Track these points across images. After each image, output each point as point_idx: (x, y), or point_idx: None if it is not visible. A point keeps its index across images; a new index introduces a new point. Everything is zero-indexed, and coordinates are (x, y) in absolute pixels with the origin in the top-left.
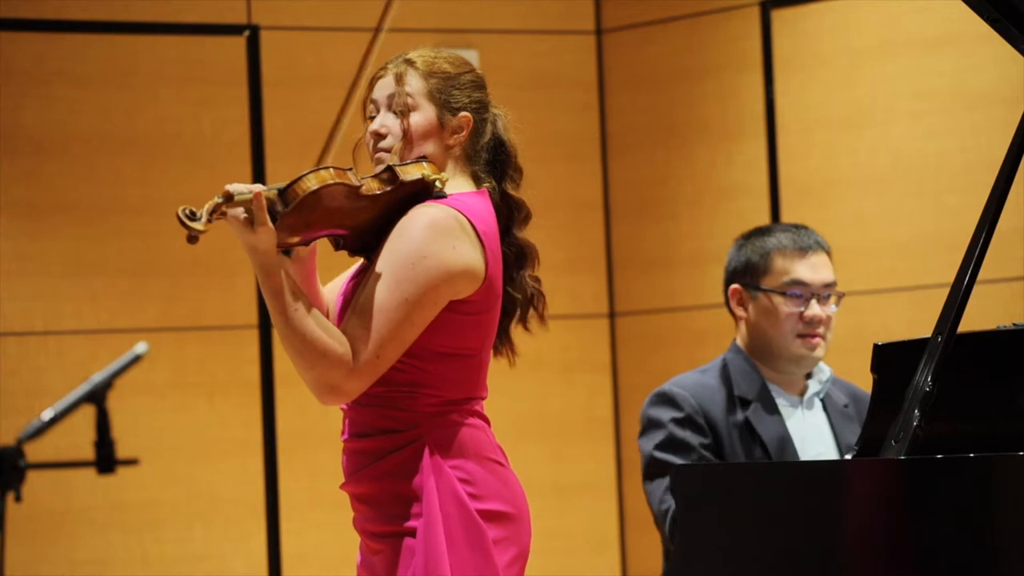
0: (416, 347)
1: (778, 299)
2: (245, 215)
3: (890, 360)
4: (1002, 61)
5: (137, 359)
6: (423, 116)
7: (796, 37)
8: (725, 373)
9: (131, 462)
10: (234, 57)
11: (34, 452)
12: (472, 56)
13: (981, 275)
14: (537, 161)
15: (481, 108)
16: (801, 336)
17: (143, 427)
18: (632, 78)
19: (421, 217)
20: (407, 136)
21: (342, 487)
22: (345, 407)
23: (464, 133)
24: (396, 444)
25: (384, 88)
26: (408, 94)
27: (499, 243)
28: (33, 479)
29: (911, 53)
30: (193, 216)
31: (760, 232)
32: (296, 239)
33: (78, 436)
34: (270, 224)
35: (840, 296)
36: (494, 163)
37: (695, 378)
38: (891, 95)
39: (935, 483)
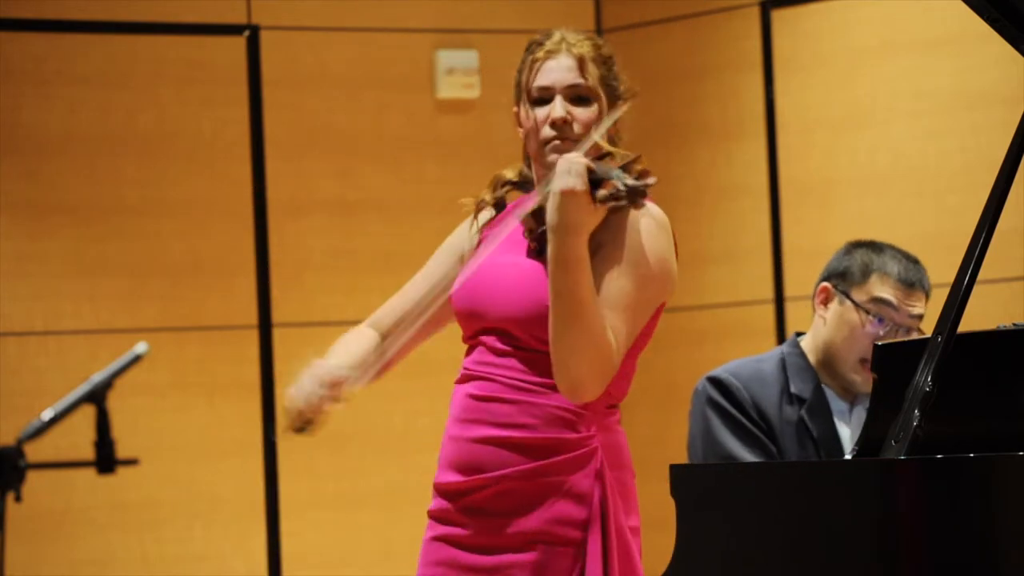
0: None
1: (861, 315)
2: (608, 193)
3: (890, 360)
4: (1002, 61)
5: (137, 359)
6: (596, 108)
7: (796, 37)
8: (782, 367)
9: (131, 462)
10: (234, 57)
11: (34, 452)
12: (472, 56)
13: (981, 275)
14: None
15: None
16: (864, 361)
17: (143, 427)
18: (632, 78)
19: (655, 217)
20: (585, 126)
21: (490, 477)
22: (481, 391)
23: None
24: (571, 444)
25: (558, 72)
26: (590, 83)
27: None
28: (33, 479)
29: (911, 53)
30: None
31: (874, 246)
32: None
33: (78, 436)
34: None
35: (919, 332)
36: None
37: (751, 370)
38: (891, 95)
39: (935, 483)
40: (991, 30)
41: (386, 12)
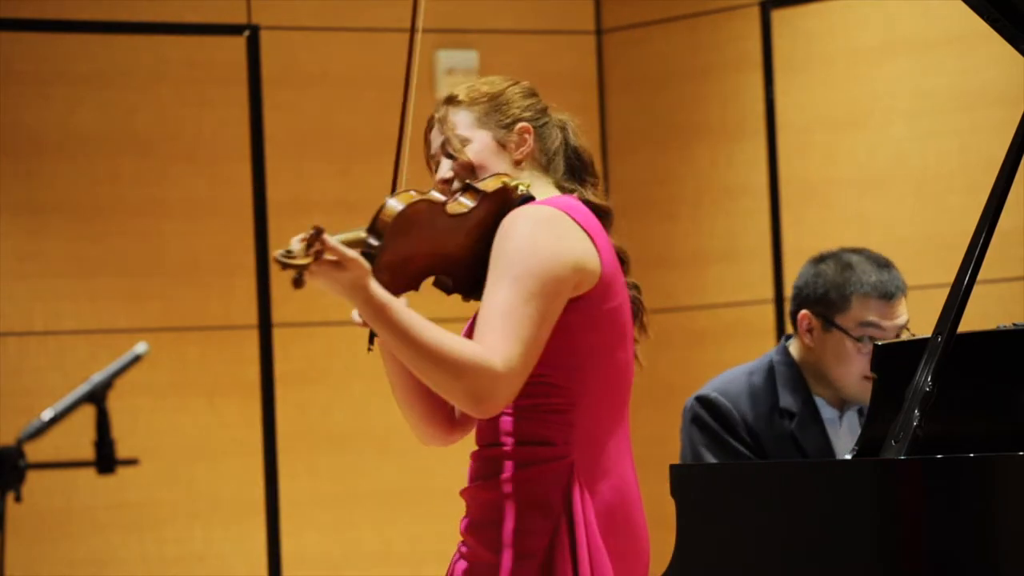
0: (557, 355)
1: (851, 343)
2: (331, 257)
3: (890, 360)
4: (1002, 61)
5: (137, 359)
6: (479, 144)
7: (796, 37)
8: (771, 378)
9: (131, 462)
10: (234, 57)
11: (34, 452)
12: (472, 56)
13: (981, 275)
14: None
15: (538, 114)
16: (866, 377)
17: (143, 427)
18: (632, 78)
19: (519, 217)
20: (468, 168)
21: (465, 491)
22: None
23: (528, 143)
24: (543, 457)
25: (436, 139)
26: (455, 132)
27: (607, 237)
28: (33, 479)
29: (911, 53)
30: (290, 255)
31: (840, 260)
32: (402, 281)
33: (78, 436)
34: (355, 254)
35: (910, 335)
36: (572, 171)
37: (740, 385)
38: (891, 95)
39: (935, 483)
40: (991, 30)
41: (386, 12)
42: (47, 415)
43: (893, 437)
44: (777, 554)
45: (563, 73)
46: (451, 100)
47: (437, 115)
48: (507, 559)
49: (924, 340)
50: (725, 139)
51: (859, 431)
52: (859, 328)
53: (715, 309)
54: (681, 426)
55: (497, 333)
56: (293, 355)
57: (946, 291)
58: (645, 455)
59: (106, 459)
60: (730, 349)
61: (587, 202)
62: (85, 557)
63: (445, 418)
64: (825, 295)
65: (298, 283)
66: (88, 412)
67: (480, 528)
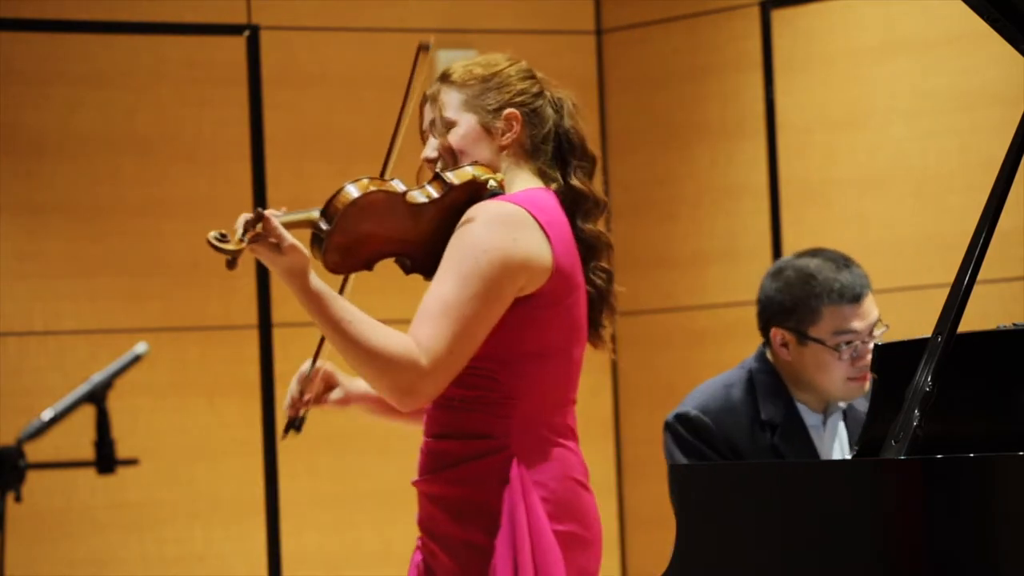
0: (504, 349)
1: (828, 351)
2: (272, 240)
3: (890, 360)
4: (1002, 61)
5: (137, 359)
6: (464, 127)
7: (796, 37)
8: (751, 390)
9: (131, 462)
10: (234, 57)
11: (34, 452)
12: (472, 56)
13: (981, 275)
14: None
15: (530, 99)
16: (851, 379)
17: (143, 427)
18: (632, 78)
19: (479, 213)
20: (450, 151)
21: (415, 483)
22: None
23: (515, 130)
24: (484, 450)
25: (427, 115)
26: (442, 114)
27: (571, 234)
28: (33, 479)
29: (911, 53)
30: (224, 238)
31: (802, 271)
32: (353, 261)
33: (78, 436)
34: (294, 240)
35: (885, 328)
36: (560, 154)
37: (720, 400)
38: (891, 95)
39: (935, 483)
40: (991, 30)
41: (386, 12)
42: (47, 415)
43: (893, 437)
44: (777, 554)
45: (563, 73)
46: (445, 78)
47: (430, 91)
48: (454, 552)
49: (924, 340)
50: (725, 139)
51: (845, 435)
52: (834, 337)
53: (715, 309)
54: (663, 444)
55: (431, 327)
56: (293, 355)
57: (946, 291)
58: (644, 455)
59: (106, 459)
60: (730, 349)
61: (568, 189)
62: (85, 557)
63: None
64: (793, 310)
65: (231, 265)
66: (88, 412)
67: (428, 522)
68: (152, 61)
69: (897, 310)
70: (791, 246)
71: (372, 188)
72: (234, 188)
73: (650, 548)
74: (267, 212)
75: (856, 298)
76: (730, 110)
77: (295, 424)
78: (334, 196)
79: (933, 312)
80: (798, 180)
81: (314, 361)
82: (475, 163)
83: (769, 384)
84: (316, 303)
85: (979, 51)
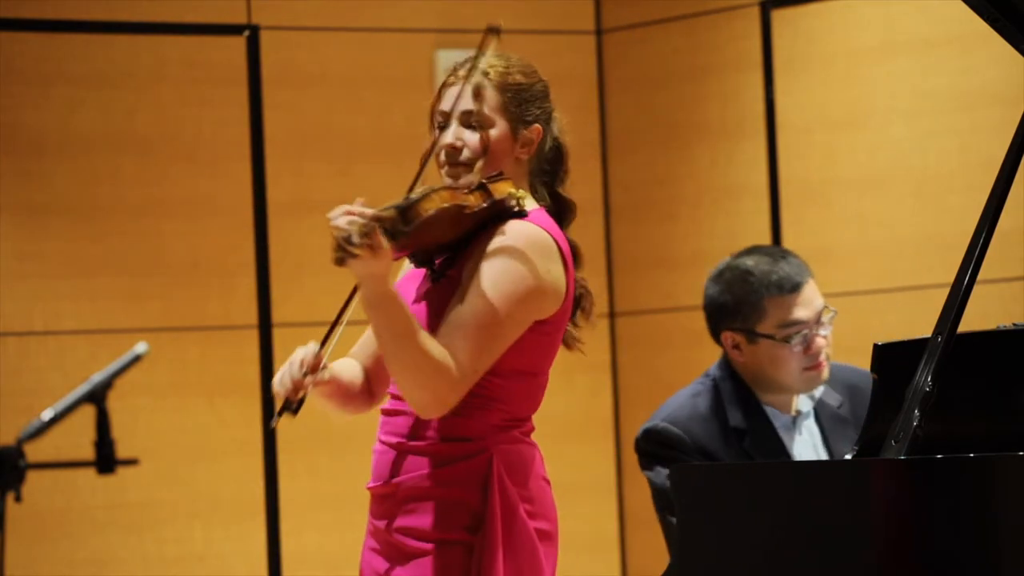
0: (500, 364)
1: (778, 344)
2: (374, 244)
3: (890, 360)
4: (1002, 61)
5: (137, 359)
6: (499, 131)
7: (796, 37)
8: (717, 398)
9: (131, 462)
10: (234, 57)
11: (34, 452)
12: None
13: (981, 275)
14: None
15: (548, 117)
16: (807, 369)
17: (143, 427)
18: (632, 78)
19: (521, 237)
20: (480, 150)
21: (379, 486)
22: (393, 407)
23: (534, 145)
24: (463, 453)
25: (459, 100)
26: (484, 109)
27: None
28: (33, 479)
29: (911, 53)
30: (351, 242)
31: (740, 269)
32: (397, 256)
33: (78, 436)
34: (388, 247)
35: (833, 313)
36: (549, 165)
37: (688, 409)
38: (891, 95)
39: (935, 483)
40: (991, 30)
41: (386, 12)
42: (47, 415)
43: (893, 437)
44: (776, 554)
45: (563, 73)
46: (486, 74)
47: (472, 79)
48: (438, 552)
49: (924, 340)
50: (725, 139)
51: (818, 433)
52: (782, 330)
53: None
54: (639, 463)
55: (464, 341)
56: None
57: (946, 291)
58: None
59: (106, 459)
60: None
61: (555, 196)
62: (85, 557)
63: (367, 396)
64: (737, 309)
65: (342, 263)
66: (88, 412)
67: (406, 523)
68: (152, 61)
69: (897, 310)
70: (791, 246)
71: (448, 204)
72: (234, 188)
73: (650, 548)
74: (368, 211)
75: (796, 287)
76: (730, 110)
77: (292, 407)
78: (419, 201)
79: (933, 312)
80: (798, 180)
81: (323, 345)
82: (502, 175)
83: (734, 390)
84: (387, 307)
85: (979, 51)
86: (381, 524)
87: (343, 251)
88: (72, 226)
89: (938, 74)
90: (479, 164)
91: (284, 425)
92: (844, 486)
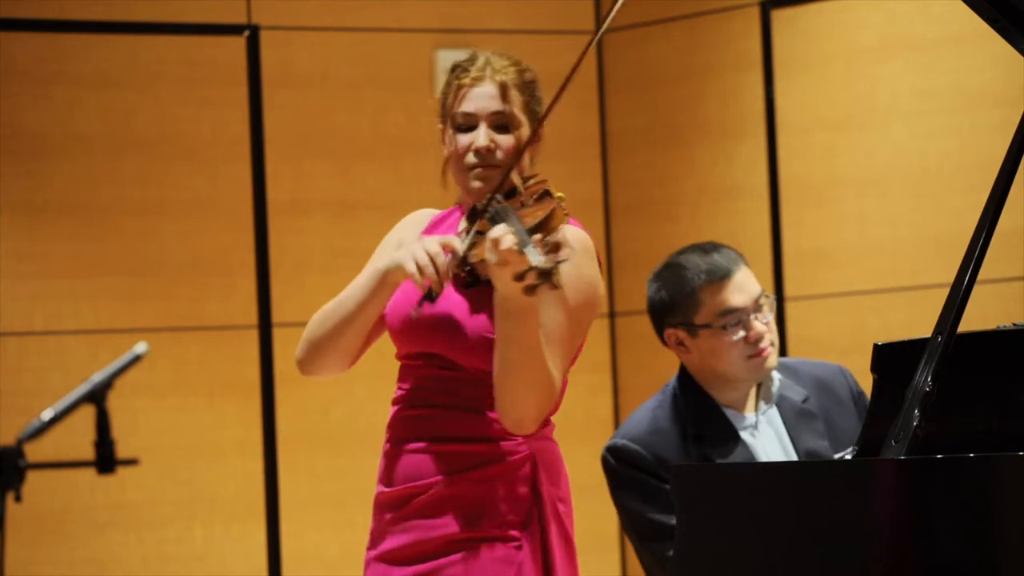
0: None
1: (718, 333)
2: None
3: (890, 360)
4: (1002, 61)
5: (137, 359)
6: (526, 131)
7: (796, 37)
8: (675, 408)
9: (131, 462)
10: (234, 57)
11: (34, 452)
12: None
13: (981, 275)
14: (537, 161)
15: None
16: (750, 357)
17: (143, 427)
18: (632, 78)
19: (578, 243)
20: (516, 151)
21: (407, 487)
22: (416, 412)
23: (540, 143)
24: (504, 452)
25: (482, 99)
26: (514, 108)
27: None
28: (33, 479)
29: (911, 53)
30: (548, 268)
31: (674, 265)
32: None
33: (78, 436)
34: None
35: (771, 300)
36: None
37: (647, 423)
38: (891, 95)
39: (935, 483)
40: (991, 30)
41: (386, 12)
42: (47, 415)
43: (893, 437)
44: (776, 554)
45: (563, 73)
46: (507, 73)
47: (502, 77)
48: (481, 550)
49: (924, 340)
50: (725, 139)
51: (783, 429)
52: (719, 318)
53: None
54: (608, 485)
55: (558, 357)
56: (293, 355)
57: (946, 291)
58: None
59: (106, 459)
60: None
61: None
62: (85, 557)
63: (356, 355)
64: (673, 304)
65: (533, 292)
66: (88, 412)
67: (440, 523)
68: (152, 61)
69: (897, 310)
70: (791, 246)
71: (562, 213)
72: (234, 188)
73: None
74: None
75: (726, 274)
76: (730, 110)
77: (435, 295)
78: (549, 219)
79: (933, 312)
80: (798, 180)
81: (469, 248)
82: (536, 175)
83: (690, 396)
84: (529, 319)
85: (979, 51)
86: (411, 526)
87: (549, 277)
88: (72, 226)
89: (938, 74)
90: (523, 165)
91: (284, 425)
92: (844, 486)
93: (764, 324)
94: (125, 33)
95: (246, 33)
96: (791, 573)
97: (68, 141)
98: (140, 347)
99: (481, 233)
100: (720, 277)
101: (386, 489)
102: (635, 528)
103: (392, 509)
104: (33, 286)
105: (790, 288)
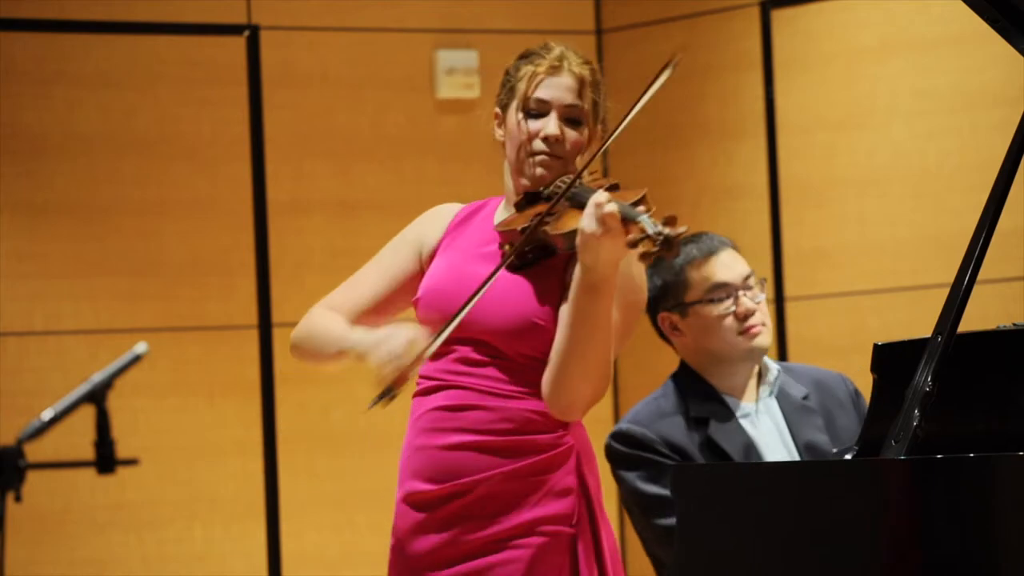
0: None
1: (707, 308)
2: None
3: (890, 360)
4: (1002, 61)
5: (137, 359)
6: (589, 130)
7: (796, 37)
8: (679, 395)
9: (131, 462)
10: (234, 57)
11: (34, 452)
12: (472, 56)
13: (981, 275)
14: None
15: None
16: (742, 333)
17: (143, 427)
18: (632, 78)
19: None
20: (578, 147)
21: (447, 486)
22: (453, 401)
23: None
24: (550, 444)
25: (559, 89)
26: (586, 106)
27: None
28: (33, 479)
29: (911, 53)
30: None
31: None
32: None
33: (78, 436)
34: None
35: (763, 282)
36: None
37: (650, 408)
38: (891, 95)
39: (935, 483)
40: (991, 30)
41: (386, 12)
42: (47, 415)
43: (893, 437)
44: (777, 554)
45: None
46: (594, 74)
47: (580, 71)
48: (545, 544)
49: (924, 340)
50: (725, 139)
51: (783, 423)
52: (707, 293)
53: None
54: (611, 469)
55: (611, 352)
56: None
57: (946, 291)
58: None
59: (106, 459)
60: None
61: None
62: (85, 557)
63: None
64: (665, 289)
65: (649, 258)
66: (88, 412)
67: (496, 513)
68: (152, 61)
69: (897, 310)
70: (791, 246)
71: None
72: (234, 188)
73: None
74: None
75: (711, 251)
76: (730, 110)
77: (394, 393)
78: (645, 197)
79: (933, 312)
80: (798, 180)
81: (436, 339)
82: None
83: (691, 383)
84: (606, 295)
85: (979, 51)
86: (452, 524)
87: (672, 251)
88: (72, 226)
89: (938, 74)
90: (584, 159)
91: (284, 425)
92: (844, 486)
93: (755, 304)
94: (125, 33)
95: (246, 33)
96: (791, 573)
97: (68, 141)
98: (140, 347)
99: (552, 214)
100: (706, 254)
101: (422, 487)
102: (638, 503)
103: (429, 509)
104: (33, 286)
105: (790, 288)
